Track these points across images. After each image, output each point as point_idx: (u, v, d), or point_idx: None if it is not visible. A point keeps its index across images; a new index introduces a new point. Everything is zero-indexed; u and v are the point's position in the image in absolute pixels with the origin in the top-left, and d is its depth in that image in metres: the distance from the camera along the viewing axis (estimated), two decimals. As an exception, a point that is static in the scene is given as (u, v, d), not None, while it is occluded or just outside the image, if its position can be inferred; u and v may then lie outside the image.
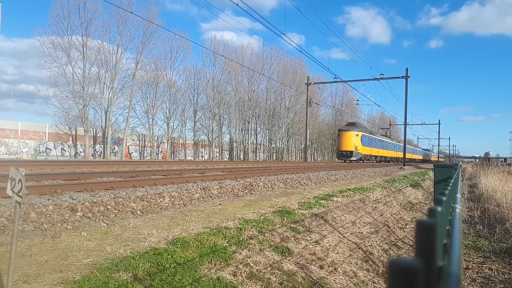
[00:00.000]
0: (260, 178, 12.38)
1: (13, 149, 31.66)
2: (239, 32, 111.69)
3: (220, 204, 7.61)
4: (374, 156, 47.59)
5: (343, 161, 42.24)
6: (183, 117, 50.59)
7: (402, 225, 9.98)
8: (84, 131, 36.18)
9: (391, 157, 57.92)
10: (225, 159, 53.24)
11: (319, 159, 73.46)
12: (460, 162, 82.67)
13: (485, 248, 8.25)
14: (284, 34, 23.32)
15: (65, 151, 35.99)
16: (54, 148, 35.04)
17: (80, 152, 37.05)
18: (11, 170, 3.25)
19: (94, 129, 39.74)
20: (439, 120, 79.26)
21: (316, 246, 5.88)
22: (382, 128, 76.67)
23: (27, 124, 33.17)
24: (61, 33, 34.92)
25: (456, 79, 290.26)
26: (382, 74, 37.92)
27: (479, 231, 9.93)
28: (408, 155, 67.47)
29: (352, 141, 41.20)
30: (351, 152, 40.90)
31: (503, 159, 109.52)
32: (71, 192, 7.10)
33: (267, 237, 5.48)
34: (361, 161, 42.46)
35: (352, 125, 44.92)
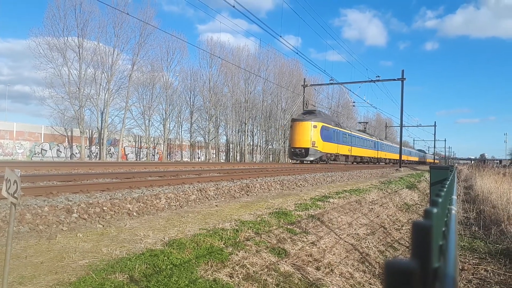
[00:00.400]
0: (256, 180, 12.38)
1: (8, 150, 31.49)
2: (236, 34, 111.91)
3: (216, 206, 7.61)
4: (345, 155, 37.55)
5: (297, 162, 31.88)
6: (179, 119, 50.64)
7: (398, 226, 10.01)
8: (80, 132, 36.07)
9: (370, 157, 48.18)
10: (222, 161, 53.18)
11: (315, 161, 73.45)
12: (456, 164, 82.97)
13: (481, 249, 8.28)
14: (280, 36, 23.45)
15: (60, 152, 35.84)
16: (50, 149, 34.88)
17: (76, 153, 36.91)
18: (6, 171, 3.23)
19: (90, 130, 39.62)
20: (435, 122, 79.66)
21: (312, 248, 5.88)
22: (360, 122, 66.95)
23: (22, 125, 33.02)
24: (57, 34, 34.87)
25: (452, 81, 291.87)
26: (378, 76, 38.06)
27: (475, 233, 9.97)
28: (395, 156, 62.68)
29: (308, 134, 30.78)
30: (307, 149, 30.27)
31: (498, 161, 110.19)
32: (66, 193, 7.07)
33: (263, 238, 5.48)
34: (324, 162, 32.92)
35: (309, 114, 33.56)
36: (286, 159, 62.88)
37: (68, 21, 35.37)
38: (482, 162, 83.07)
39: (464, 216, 12.45)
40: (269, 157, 61.97)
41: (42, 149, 34.19)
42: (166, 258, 3.96)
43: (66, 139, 36.69)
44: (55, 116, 37.05)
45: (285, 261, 5.01)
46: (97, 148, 39.39)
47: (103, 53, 37.49)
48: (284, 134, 60.15)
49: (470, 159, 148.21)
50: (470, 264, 7.22)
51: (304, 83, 45.84)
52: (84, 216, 5.65)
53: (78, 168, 12.26)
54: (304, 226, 6.69)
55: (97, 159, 38.38)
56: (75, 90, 35.72)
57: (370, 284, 5.55)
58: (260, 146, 60.74)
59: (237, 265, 4.33)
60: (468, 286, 6.25)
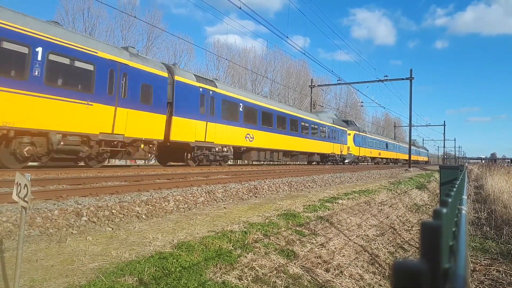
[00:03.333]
0: (264, 181, 12.36)
1: (19, 154, 31.81)
2: (243, 35, 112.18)
3: (225, 208, 7.61)
4: (221, 146, 19.01)
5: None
6: (187, 121, 50.64)
7: (408, 227, 9.92)
8: (89, 136, 36.24)
9: (302, 151, 28.34)
10: (230, 162, 53.16)
11: (323, 162, 73.18)
12: (466, 163, 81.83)
13: (493, 249, 8.18)
14: (287, 37, 23.29)
15: (70, 156, 36.06)
16: (60, 153, 35.10)
17: (85, 157, 37.11)
18: (16, 175, 3.27)
19: (99, 134, 39.81)
20: (444, 121, 78.69)
21: (321, 249, 5.86)
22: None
23: (32, 130, 33.37)
24: (65, 39, 35.19)
25: (462, 79, 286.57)
26: (386, 76, 37.82)
27: (486, 233, 9.85)
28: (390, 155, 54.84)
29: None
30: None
31: (509, 160, 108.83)
32: (76, 196, 7.12)
33: (272, 240, 5.46)
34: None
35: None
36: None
37: (76, 25, 35.75)
38: (492, 161, 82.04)
39: (475, 216, 12.31)
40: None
41: (52, 153, 34.42)
42: (175, 260, 3.97)
43: (76, 143, 36.90)
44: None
45: (294, 263, 5.00)
46: (106, 151, 39.54)
47: (111, 57, 37.77)
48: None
49: (481, 159, 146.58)
50: (482, 265, 7.14)
51: (312, 83, 45.75)
52: (94, 219, 5.69)
53: (87, 171, 12.35)
54: (313, 228, 6.66)
55: (106, 162, 38.65)
56: (84, 94, 36.00)
57: (380, 285, 5.51)
58: (268, 147, 60.52)
59: (246, 267, 4.33)
60: (480, 287, 6.17)
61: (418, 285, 0.46)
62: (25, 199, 3.12)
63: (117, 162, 38.21)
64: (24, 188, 3.15)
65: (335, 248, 6.15)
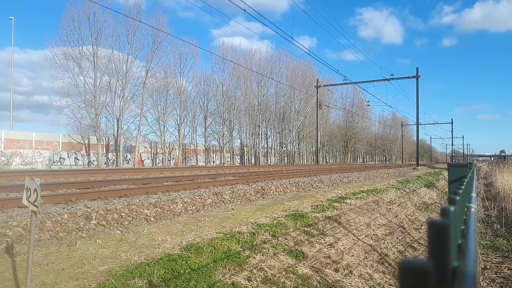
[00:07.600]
0: (272, 182, 12.35)
1: (28, 159, 32.14)
2: (249, 37, 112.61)
3: (232, 209, 7.62)
4: None
5: None
6: (193, 123, 50.85)
7: (417, 226, 9.85)
8: (97, 139, 36.58)
9: None
10: (237, 164, 53.22)
11: (331, 162, 73.05)
12: (475, 161, 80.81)
13: (504, 247, 8.09)
14: (292, 38, 23.31)
15: (78, 160, 36.40)
16: (68, 157, 35.47)
17: (93, 160, 37.44)
18: (26, 180, 3.30)
19: (107, 138, 40.13)
20: (452, 119, 77.91)
21: (330, 249, 5.84)
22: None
23: (41, 135, 33.69)
24: (72, 44, 35.44)
25: (471, 77, 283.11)
26: (392, 75, 37.67)
27: (497, 231, 9.74)
28: None
29: None
30: None
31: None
32: (85, 200, 7.17)
33: (280, 241, 5.46)
34: None
35: None
36: (301, 160, 62.61)
37: (82, 31, 35.95)
38: (502, 158, 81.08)
39: (485, 214, 12.18)
40: (284, 159, 61.83)
41: (60, 157, 34.80)
42: (184, 262, 3.98)
43: (84, 147, 37.27)
44: (72, 125, 37.52)
45: (303, 264, 4.99)
46: (113, 155, 39.86)
47: (117, 61, 37.98)
48: (298, 136, 59.98)
49: (490, 156, 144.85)
50: (493, 263, 7.06)
51: (317, 83, 45.64)
52: (103, 223, 5.72)
53: (96, 175, 12.44)
54: (321, 228, 6.64)
55: (114, 166, 38.86)
56: (91, 99, 36.26)
57: (390, 285, 5.47)
58: (274, 148, 60.62)
59: (255, 268, 4.33)
60: (491, 285, 6.11)
61: (425, 284, 0.46)
62: (35, 203, 3.16)
63: (124, 165, 38.40)
64: (33, 193, 3.19)
65: (344, 248, 6.13)
